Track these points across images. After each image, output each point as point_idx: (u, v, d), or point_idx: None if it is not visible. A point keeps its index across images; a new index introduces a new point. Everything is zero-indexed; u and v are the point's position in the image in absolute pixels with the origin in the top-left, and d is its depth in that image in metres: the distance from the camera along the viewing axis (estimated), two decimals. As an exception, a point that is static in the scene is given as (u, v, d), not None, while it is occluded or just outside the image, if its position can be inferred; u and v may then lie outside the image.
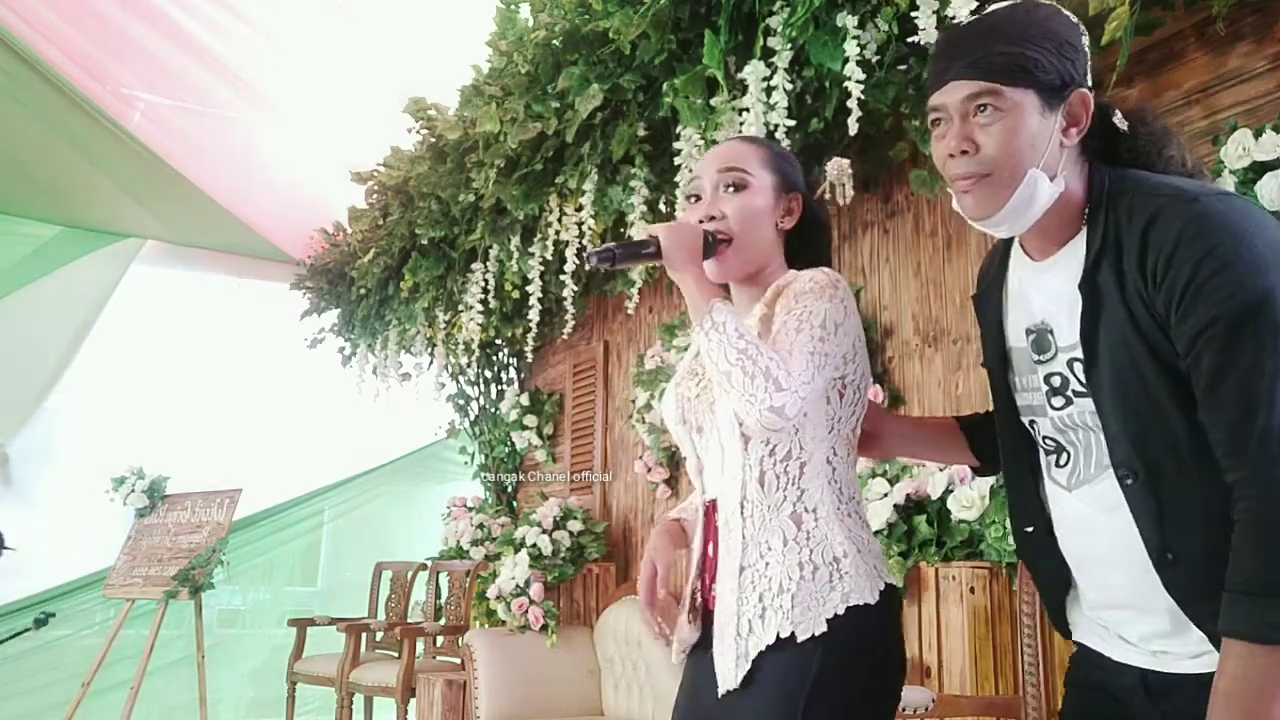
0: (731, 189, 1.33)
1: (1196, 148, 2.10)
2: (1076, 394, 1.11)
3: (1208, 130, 2.07)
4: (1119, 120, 1.13)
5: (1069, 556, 1.17)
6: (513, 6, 3.06)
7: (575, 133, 2.80)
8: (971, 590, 2.11)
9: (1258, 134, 1.87)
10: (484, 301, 3.82)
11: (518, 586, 3.57)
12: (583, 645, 3.65)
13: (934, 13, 1.99)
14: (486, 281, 3.76)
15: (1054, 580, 1.20)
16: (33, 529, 5.29)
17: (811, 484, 1.24)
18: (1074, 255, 1.10)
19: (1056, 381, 1.13)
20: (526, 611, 3.53)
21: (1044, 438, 1.18)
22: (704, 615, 1.31)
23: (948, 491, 2.23)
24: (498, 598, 3.61)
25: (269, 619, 5.86)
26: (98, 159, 4.55)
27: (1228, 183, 1.93)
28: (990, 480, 2.18)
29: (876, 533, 2.31)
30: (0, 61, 3.90)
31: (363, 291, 4.41)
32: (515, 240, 3.47)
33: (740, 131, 2.33)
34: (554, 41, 2.74)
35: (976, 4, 1.88)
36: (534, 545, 3.67)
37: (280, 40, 4.22)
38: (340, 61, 4.35)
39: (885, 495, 2.33)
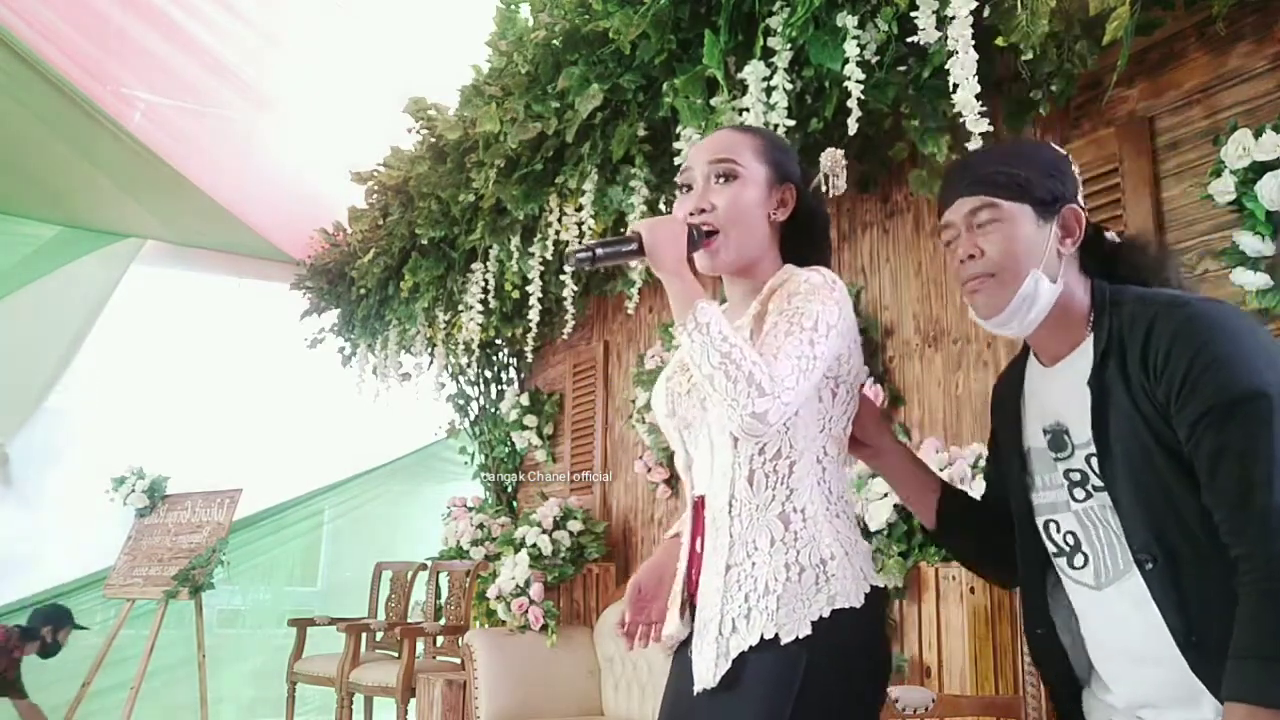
0: (722, 180, 1.29)
1: (1197, 147, 2.10)
2: (1095, 488, 1.18)
3: (1208, 130, 2.08)
4: (1111, 237, 1.29)
5: (1099, 655, 1.22)
6: (513, 6, 3.06)
7: (575, 133, 2.80)
8: (971, 590, 2.12)
9: (1258, 134, 1.87)
10: (484, 301, 3.82)
11: (518, 586, 3.56)
12: (583, 645, 3.64)
13: (934, 13, 1.99)
14: (486, 281, 3.76)
15: (1065, 680, 1.26)
16: (33, 529, 5.30)
17: (801, 484, 1.22)
18: (1082, 358, 1.21)
19: (1076, 476, 1.21)
20: (526, 611, 3.53)
21: (1066, 533, 1.23)
22: (692, 610, 1.29)
23: (948, 491, 2.23)
24: (498, 598, 3.61)
25: (269, 619, 5.86)
26: (98, 159, 4.55)
27: (1228, 183, 1.93)
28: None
29: (876, 532, 2.31)
30: (0, 61, 3.90)
31: (363, 291, 4.41)
32: (515, 240, 3.47)
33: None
34: (554, 41, 2.74)
35: (976, 4, 1.88)
36: (534, 545, 3.67)
37: (280, 40, 4.22)
38: (340, 61, 4.35)
39: (885, 495, 2.33)
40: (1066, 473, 1.22)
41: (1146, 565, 1.11)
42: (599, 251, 1.22)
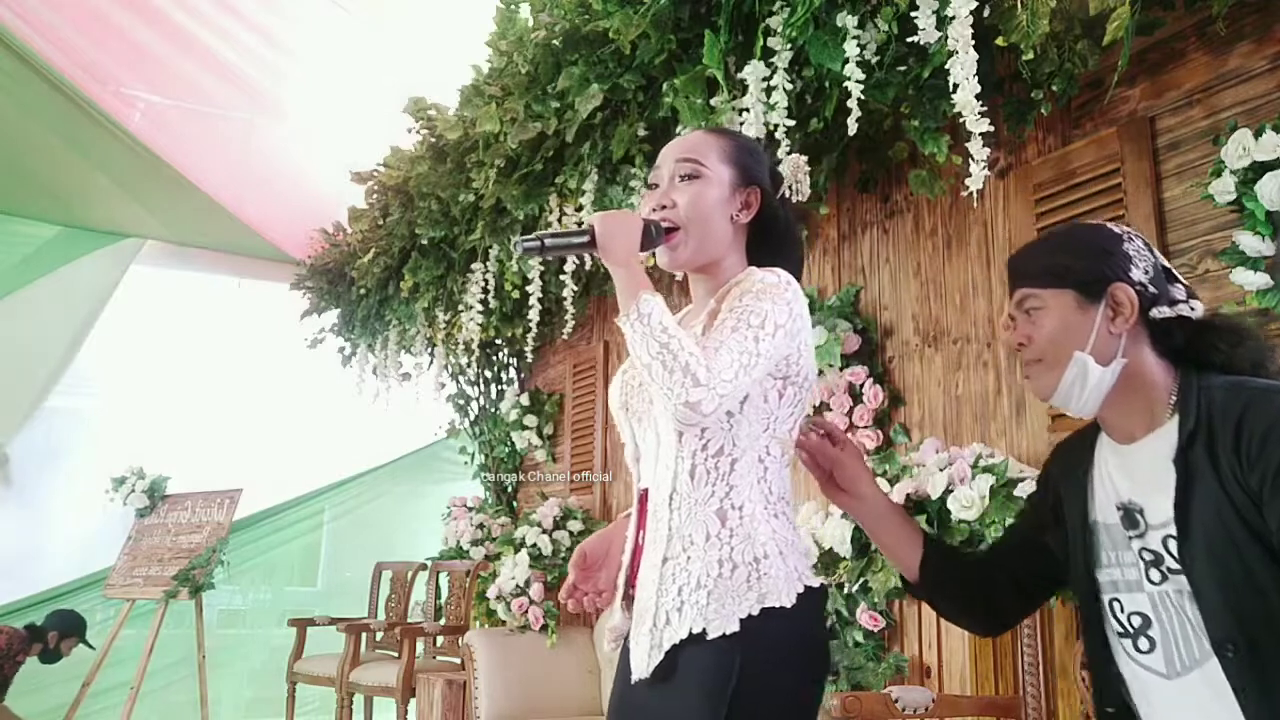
0: (686, 179, 1.33)
1: (1197, 147, 2.10)
2: (1170, 570, 1.18)
3: (1208, 130, 2.08)
4: (1194, 315, 1.27)
5: None
6: (513, 6, 3.06)
7: (575, 133, 2.80)
8: (971, 590, 2.11)
9: (1258, 134, 1.86)
10: (484, 301, 3.82)
11: (518, 586, 3.56)
12: (583, 645, 3.64)
13: (934, 13, 1.99)
14: (486, 281, 3.76)
15: None
16: (33, 529, 5.30)
17: (741, 481, 1.22)
18: (1162, 439, 1.22)
19: (1149, 556, 1.21)
20: (526, 611, 3.53)
21: (1131, 614, 1.22)
22: (632, 602, 1.31)
23: (948, 491, 2.23)
24: (498, 598, 3.61)
25: (269, 619, 5.86)
26: (98, 159, 4.55)
27: (1228, 183, 1.93)
28: (990, 480, 2.18)
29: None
30: (0, 61, 3.90)
31: (363, 291, 4.41)
32: (515, 240, 3.46)
33: (741, 131, 2.33)
34: (554, 41, 2.74)
35: (976, 4, 1.88)
36: (534, 545, 3.67)
37: (280, 40, 4.22)
38: (341, 61, 4.35)
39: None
40: (1141, 551, 1.21)
41: (1227, 653, 1.10)
42: (548, 241, 1.26)
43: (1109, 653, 1.26)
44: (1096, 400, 1.25)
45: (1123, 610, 1.23)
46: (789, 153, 2.28)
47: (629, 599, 1.32)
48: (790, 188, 1.39)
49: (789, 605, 1.17)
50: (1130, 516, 1.22)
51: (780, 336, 1.20)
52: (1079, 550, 1.29)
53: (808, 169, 1.41)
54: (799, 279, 1.33)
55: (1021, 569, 1.42)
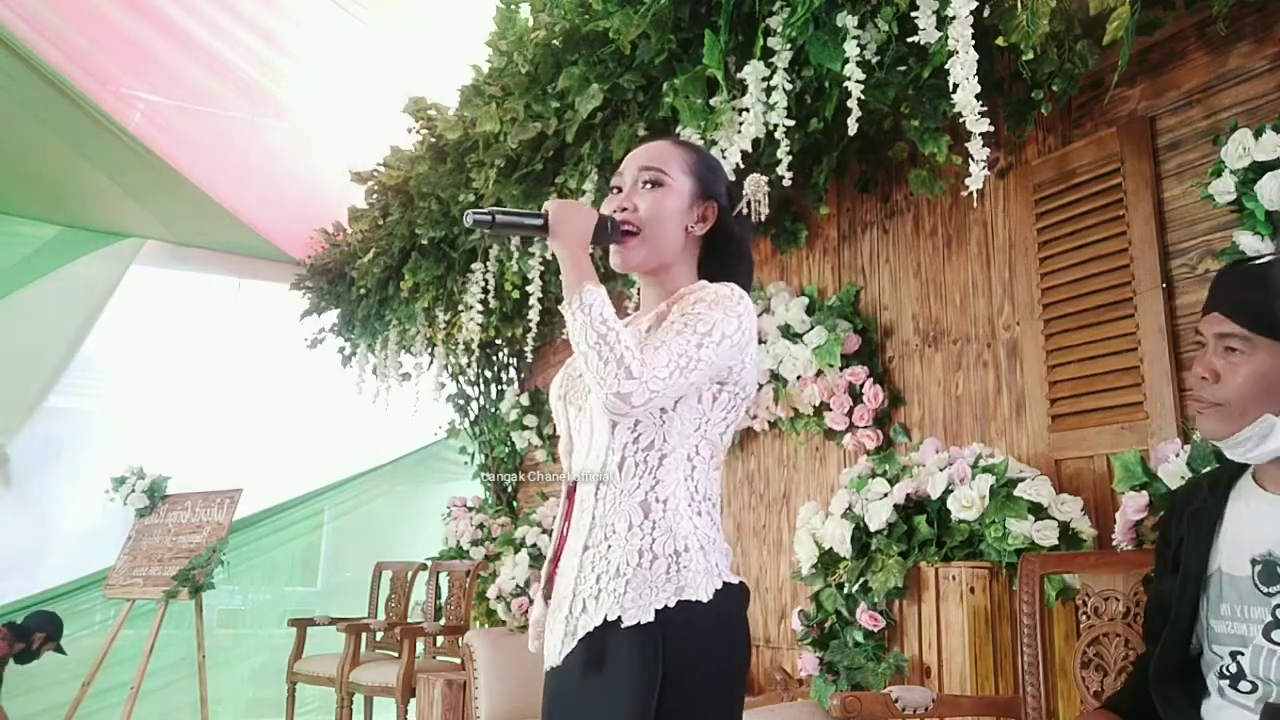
0: (648, 185, 1.37)
1: (1197, 147, 2.10)
2: None
3: (1208, 130, 2.08)
4: None
5: None
6: (513, 6, 3.06)
7: (575, 133, 2.80)
8: (971, 590, 2.11)
9: (1258, 134, 1.86)
10: (484, 301, 3.82)
11: (518, 586, 3.56)
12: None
13: (934, 13, 1.99)
14: (486, 281, 3.76)
15: None
16: (33, 529, 5.30)
17: (668, 476, 1.25)
18: None
19: None
20: (526, 611, 3.53)
21: (1241, 662, 1.17)
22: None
23: (948, 491, 2.23)
24: (498, 598, 3.61)
25: (269, 619, 5.86)
26: (98, 159, 4.55)
27: (1228, 182, 1.93)
28: (990, 480, 2.18)
29: (877, 532, 2.31)
30: (0, 61, 3.90)
31: (363, 291, 4.40)
32: (515, 240, 3.47)
33: (740, 131, 2.33)
34: (554, 41, 2.74)
35: (976, 4, 1.88)
36: (534, 545, 3.66)
37: (280, 40, 4.22)
38: (341, 61, 4.35)
39: (885, 495, 2.33)
40: (1275, 609, 1.16)
41: None
42: (499, 218, 1.29)
43: (1197, 689, 1.22)
44: (1267, 458, 1.19)
45: (1233, 659, 1.18)
46: (789, 153, 2.28)
47: (549, 589, 1.33)
48: (750, 206, 1.42)
49: (705, 600, 1.20)
50: (1268, 571, 1.16)
51: (725, 346, 1.23)
52: (1189, 595, 1.24)
53: (767, 190, 1.43)
54: (750, 292, 1.38)
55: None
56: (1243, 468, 1.29)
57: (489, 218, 1.28)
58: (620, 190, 1.40)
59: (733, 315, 1.25)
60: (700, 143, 2.51)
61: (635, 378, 1.16)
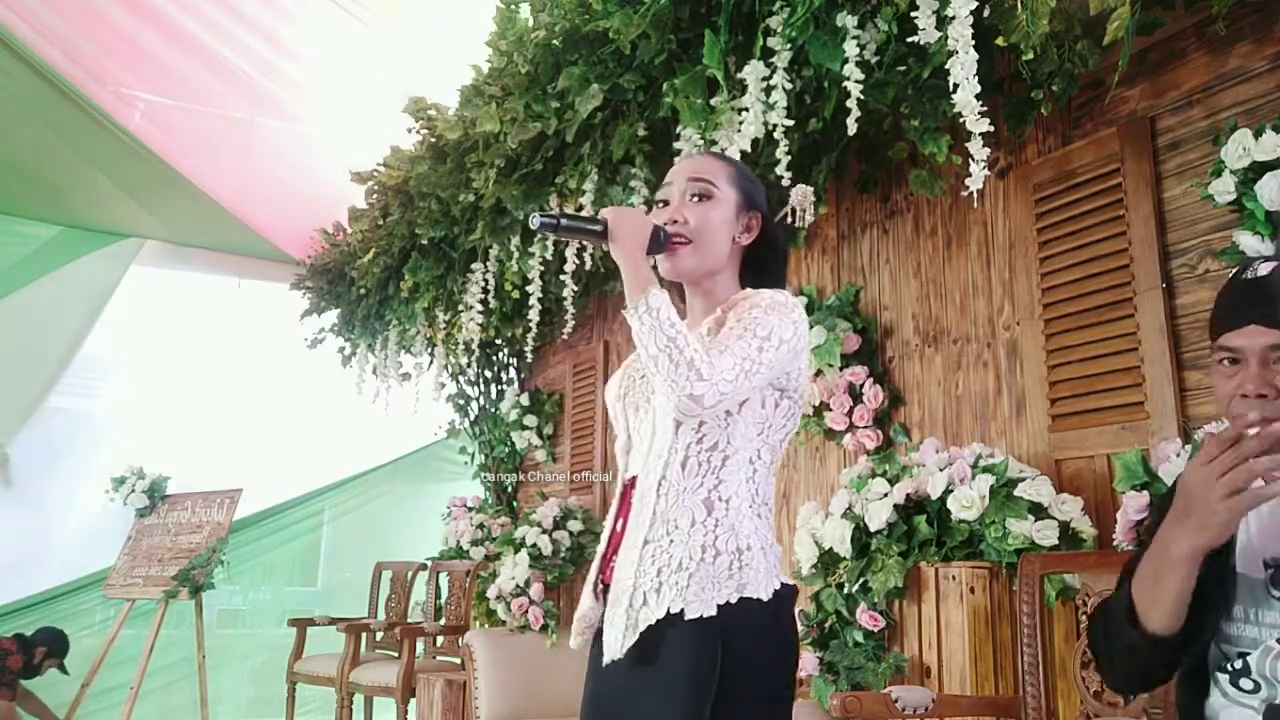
0: (697, 198, 1.41)
1: (1197, 147, 2.10)
2: None
3: (1208, 130, 2.08)
4: None
5: None
6: (513, 6, 3.06)
7: (575, 133, 2.80)
8: (971, 590, 2.11)
9: (1258, 134, 1.86)
10: (484, 301, 3.82)
11: (518, 586, 3.56)
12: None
13: (934, 13, 1.99)
14: (486, 281, 3.76)
15: None
16: (33, 529, 5.30)
17: (731, 477, 1.28)
18: None
19: None
20: (526, 611, 3.53)
21: (1247, 662, 1.16)
22: (606, 590, 1.34)
23: (948, 491, 2.23)
24: (498, 598, 3.61)
25: (269, 619, 5.86)
26: (98, 159, 4.55)
27: (1228, 182, 1.93)
28: (990, 480, 2.18)
29: (877, 532, 2.31)
30: (0, 61, 3.90)
31: (363, 291, 4.40)
32: (515, 240, 3.46)
33: (740, 131, 2.33)
34: (554, 41, 2.74)
35: (976, 4, 1.88)
36: (534, 545, 3.66)
37: (280, 40, 4.22)
38: (341, 61, 4.35)
39: (885, 495, 2.33)
40: None
41: None
42: (564, 221, 1.32)
43: (1205, 687, 1.20)
44: None
45: (1240, 659, 1.16)
46: (788, 152, 2.29)
47: (603, 586, 1.34)
48: (793, 214, 1.47)
49: (766, 599, 1.22)
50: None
51: (783, 351, 1.26)
52: (1209, 594, 1.19)
53: (813, 200, 1.48)
54: None
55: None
56: None
57: (555, 221, 1.31)
58: (667, 203, 1.44)
59: (788, 321, 1.28)
60: (700, 143, 2.51)
61: (706, 379, 1.18)
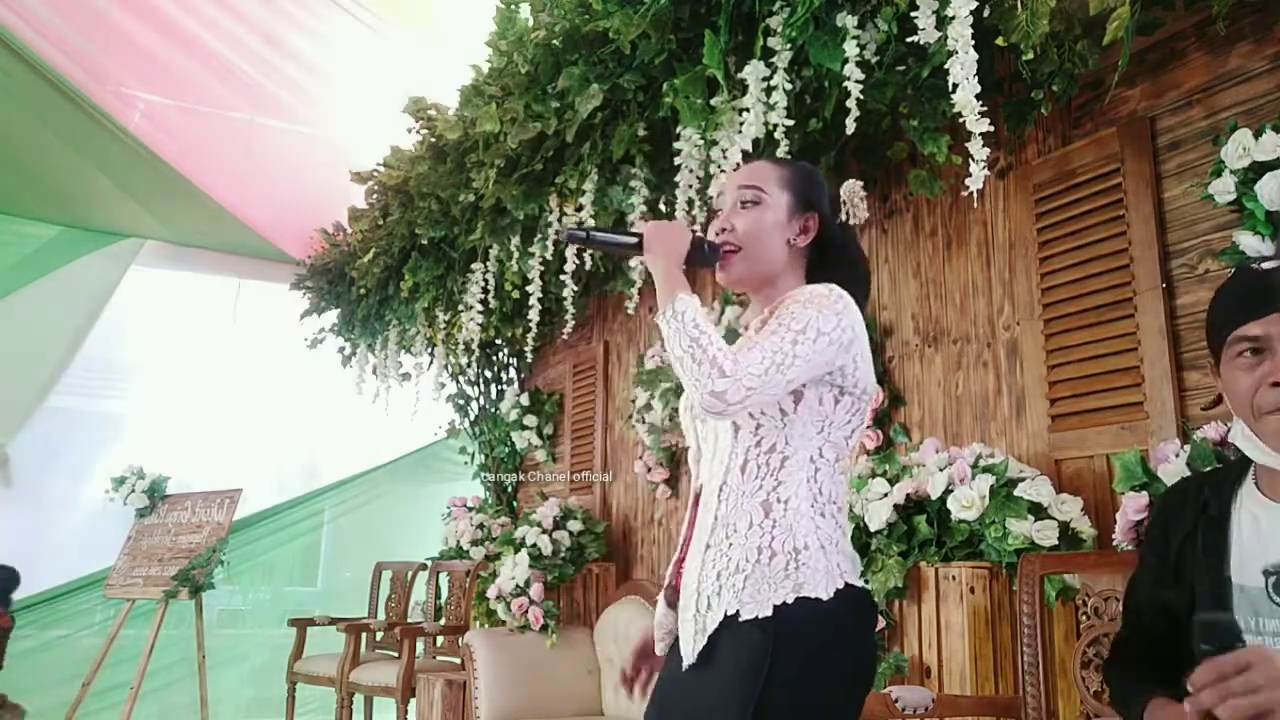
0: (745, 205, 1.41)
1: (1197, 147, 2.10)
2: None
3: (1208, 130, 2.08)
4: None
5: None
6: (513, 6, 3.06)
7: (575, 133, 2.80)
8: (971, 590, 2.11)
9: (1258, 134, 1.86)
10: (484, 301, 3.82)
11: (518, 586, 3.56)
12: (583, 645, 3.64)
13: (934, 13, 1.99)
14: (486, 281, 3.76)
15: None
16: (33, 529, 5.29)
17: (790, 478, 1.26)
18: None
19: None
20: (526, 611, 3.53)
21: None
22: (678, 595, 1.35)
23: (948, 491, 2.23)
24: (498, 598, 3.61)
25: (269, 619, 5.86)
26: (98, 159, 4.55)
27: (1228, 182, 1.93)
28: (990, 480, 2.18)
29: (877, 532, 2.31)
30: (0, 61, 3.90)
31: (363, 291, 4.40)
32: (515, 240, 3.47)
33: (740, 131, 2.33)
34: (554, 41, 2.74)
35: (976, 4, 1.88)
36: (534, 545, 3.66)
37: (280, 40, 4.22)
38: (341, 61, 4.35)
39: (885, 495, 2.33)
40: None
41: None
42: (596, 236, 1.34)
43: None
44: None
45: None
46: (789, 153, 2.28)
47: (673, 592, 1.35)
48: (846, 212, 1.45)
49: (825, 599, 1.20)
50: None
51: (823, 343, 1.23)
52: (1208, 610, 1.19)
53: (864, 193, 1.45)
54: (863, 299, 1.39)
55: (1168, 640, 1.29)
56: (1243, 472, 1.26)
57: (584, 235, 1.33)
58: (720, 212, 1.44)
59: (829, 313, 1.25)
60: (700, 143, 2.51)
61: (728, 375, 1.17)
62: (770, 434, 1.27)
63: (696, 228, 2.66)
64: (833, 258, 1.43)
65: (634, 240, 1.35)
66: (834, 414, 1.29)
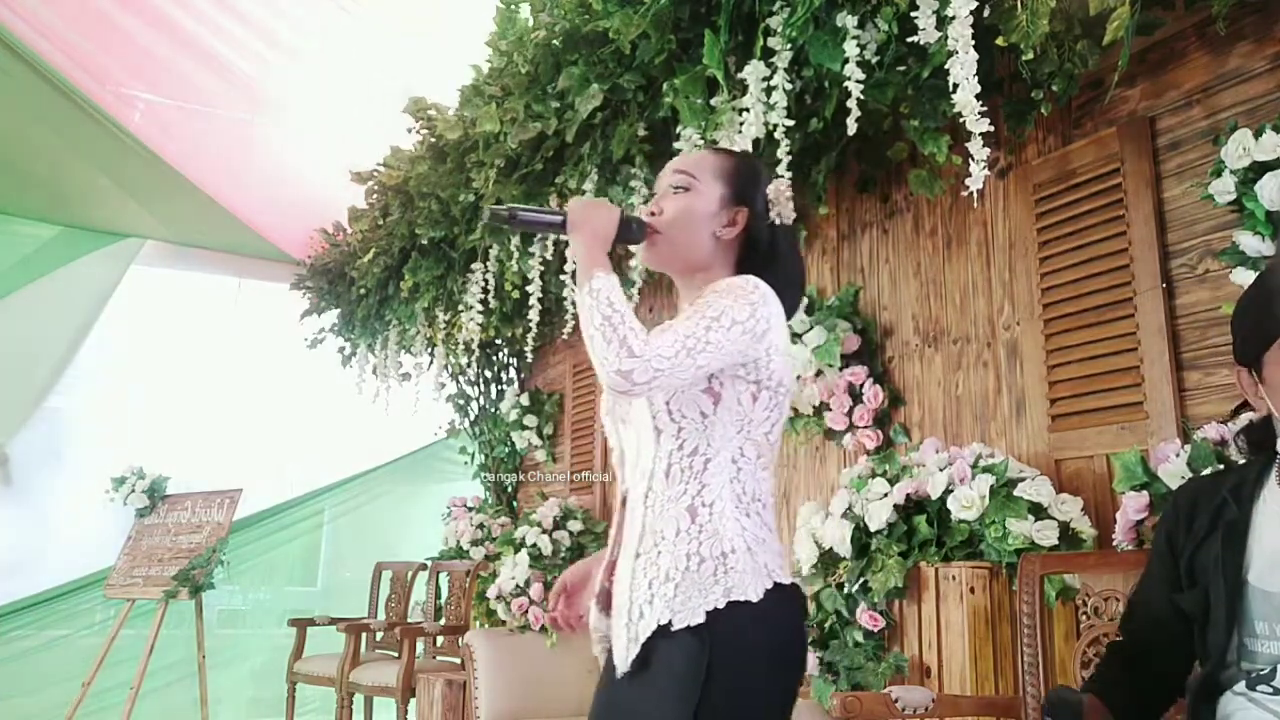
0: (676, 190, 1.42)
1: (1197, 147, 2.10)
2: None
3: (1208, 130, 2.08)
4: None
5: None
6: (513, 6, 3.06)
7: (575, 133, 2.80)
8: (971, 590, 2.11)
9: (1258, 134, 1.86)
10: (484, 301, 3.82)
11: (518, 586, 3.56)
12: (583, 645, 3.60)
13: (934, 13, 1.99)
14: (486, 281, 3.76)
15: None
16: (33, 529, 5.29)
17: (713, 480, 1.27)
18: None
19: None
20: (526, 611, 3.53)
21: (1272, 673, 1.13)
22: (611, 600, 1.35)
23: (948, 491, 2.23)
24: (498, 598, 3.61)
25: (269, 619, 5.86)
26: (98, 159, 4.55)
27: (1228, 182, 1.93)
28: (990, 480, 2.18)
29: (876, 532, 2.31)
30: (0, 61, 3.90)
31: (363, 291, 4.41)
32: (515, 240, 3.47)
33: (740, 131, 2.33)
34: (554, 41, 2.74)
35: (976, 4, 1.88)
36: (534, 545, 3.66)
37: (281, 39, 4.22)
38: (341, 61, 4.34)
39: (885, 495, 2.33)
40: None
41: None
42: (519, 214, 1.34)
43: (1217, 688, 1.18)
44: None
45: (1270, 676, 1.13)
46: (789, 153, 2.28)
47: (606, 598, 1.35)
48: (776, 212, 1.43)
49: (755, 600, 1.20)
50: None
51: (736, 332, 1.24)
52: (1222, 613, 1.17)
53: (790, 194, 1.44)
54: (793, 300, 1.40)
55: (1168, 654, 1.28)
56: (1263, 473, 1.24)
57: (507, 214, 1.32)
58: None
59: (745, 303, 1.25)
60: (700, 143, 2.51)
61: (637, 355, 1.18)
62: (692, 437, 1.27)
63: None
64: (761, 255, 1.42)
65: (559, 219, 1.35)
66: (753, 412, 1.30)
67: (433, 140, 3.53)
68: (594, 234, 1.33)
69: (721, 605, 1.19)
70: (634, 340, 1.19)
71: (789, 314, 1.37)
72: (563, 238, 1.38)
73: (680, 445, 1.27)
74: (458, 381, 4.99)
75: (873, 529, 2.31)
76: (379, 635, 4.54)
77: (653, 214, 1.42)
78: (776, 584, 1.23)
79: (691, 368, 1.21)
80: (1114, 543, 2.01)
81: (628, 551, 1.29)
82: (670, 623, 1.19)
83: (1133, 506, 1.96)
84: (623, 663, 1.25)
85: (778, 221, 1.44)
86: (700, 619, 1.18)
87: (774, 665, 1.22)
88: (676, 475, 1.27)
